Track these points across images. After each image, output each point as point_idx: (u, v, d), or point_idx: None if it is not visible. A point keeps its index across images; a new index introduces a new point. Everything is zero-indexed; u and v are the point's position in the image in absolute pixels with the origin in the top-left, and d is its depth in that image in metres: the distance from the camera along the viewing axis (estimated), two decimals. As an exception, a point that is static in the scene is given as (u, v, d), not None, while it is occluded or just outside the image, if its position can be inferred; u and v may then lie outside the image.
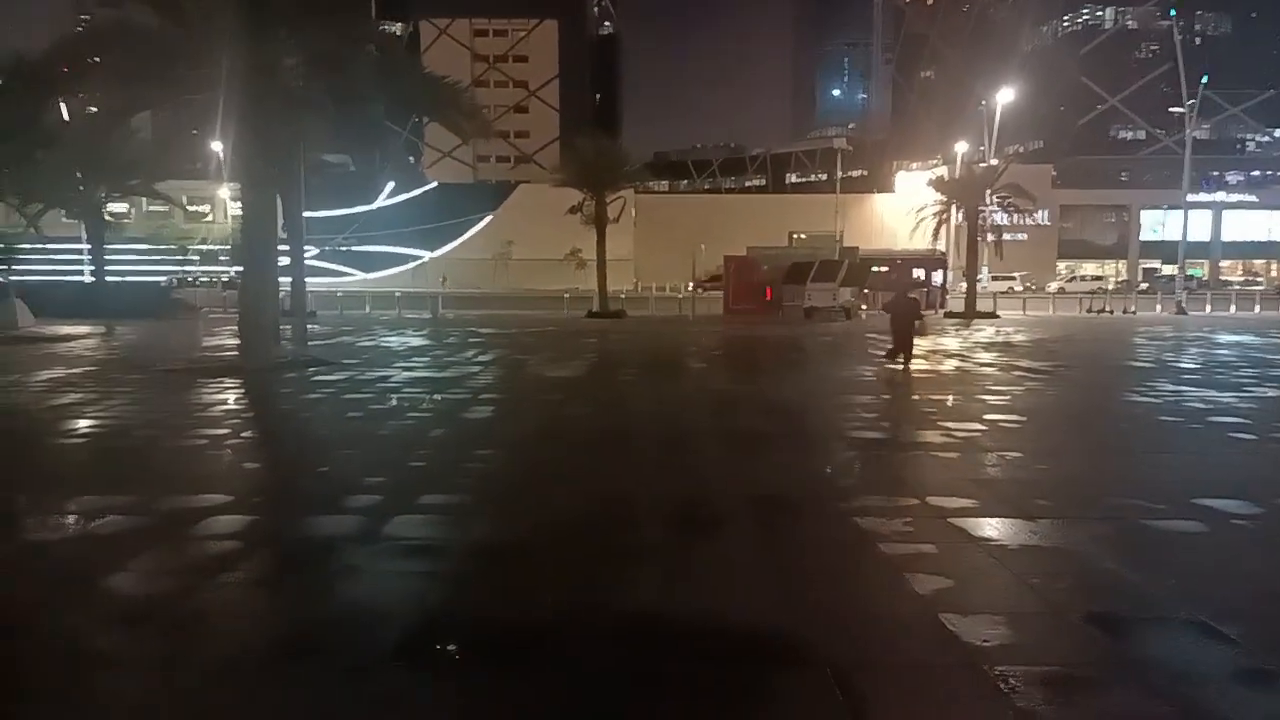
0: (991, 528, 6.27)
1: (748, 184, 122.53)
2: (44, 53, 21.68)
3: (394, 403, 12.37)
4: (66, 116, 26.94)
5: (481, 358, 18.89)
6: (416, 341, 23.33)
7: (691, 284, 64.42)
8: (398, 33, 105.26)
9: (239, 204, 18.73)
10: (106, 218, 36.98)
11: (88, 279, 41.76)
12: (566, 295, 41.49)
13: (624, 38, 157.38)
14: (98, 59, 18.98)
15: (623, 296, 40.88)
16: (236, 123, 16.67)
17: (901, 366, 17.02)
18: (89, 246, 39.05)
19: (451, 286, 61.34)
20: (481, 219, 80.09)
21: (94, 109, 25.32)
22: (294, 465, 8.87)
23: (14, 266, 32.55)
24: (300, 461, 9.05)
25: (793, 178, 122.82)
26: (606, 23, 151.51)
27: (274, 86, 16.82)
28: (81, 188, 33.19)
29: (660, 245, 78.32)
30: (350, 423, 10.89)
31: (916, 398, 13.42)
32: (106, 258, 36.83)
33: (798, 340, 24.42)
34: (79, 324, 26.58)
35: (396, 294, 42.55)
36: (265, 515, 6.74)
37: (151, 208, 58.05)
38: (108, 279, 36.58)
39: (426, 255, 78.58)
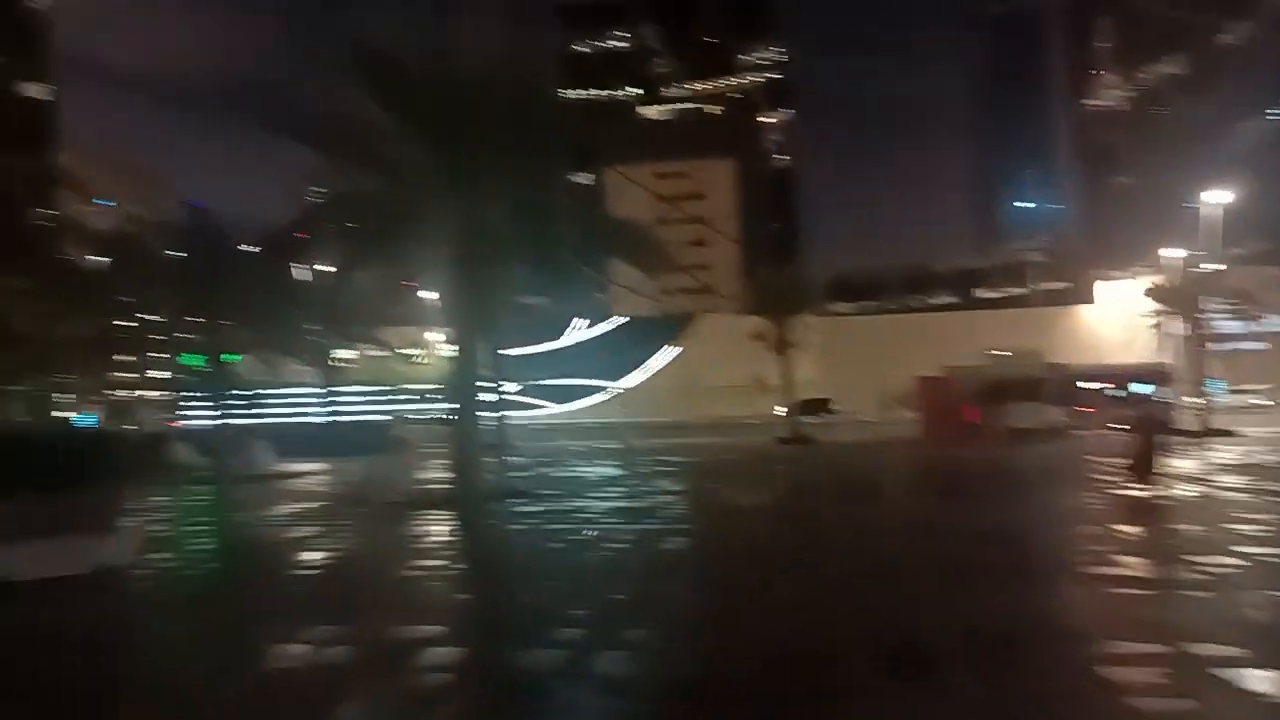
0: (1267, 681, 5.42)
1: (934, 301, 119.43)
2: (286, 223, 24.81)
3: (592, 534, 12.56)
4: (303, 275, 30.34)
5: (674, 486, 18.96)
6: (610, 471, 23.80)
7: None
8: (587, 181, 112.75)
9: (448, 346, 20.13)
10: (333, 364, 40.91)
11: (319, 420, 45.93)
12: (753, 421, 41.32)
13: (799, 167, 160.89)
14: (330, 224, 21.45)
15: (811, 421, 40.21)
16: (446, 272, 18.18)
17: (1141, 489, 15.47)
18: (320, 390, 43.13)
19: (640, 415, 62.54)
20: (666, 349, 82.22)
21: (323, 268, 28.33)
22: (500, 596, 9.10)
23: (257, 411, 36.33)
24: (506, 592, 9.28)
25: (982, 293, 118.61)
26: (782, 155, 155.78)
27: (479, 237, 18.27)
28: (313, 337, 37.04)
29: (846, 368, 77.03)
30: (550, 553, 11.12)
31: (1154, 526, 12.13)
32: (334, 400, 40.54)
33: (1005, 463, 22.93)
34: (311, 461, 29.08)
35: (589, 425, 43.90)
36: (476, 648, 6.90)
37: (373, 353, 63.65)
38: (336, 419, 40.12)
39: (616, 386, 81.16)
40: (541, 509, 15.60)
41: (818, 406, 62.56)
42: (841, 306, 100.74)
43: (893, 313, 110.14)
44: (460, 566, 10.88)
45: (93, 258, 27.54)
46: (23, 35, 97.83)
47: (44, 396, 38.66)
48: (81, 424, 38.77)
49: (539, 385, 79.62)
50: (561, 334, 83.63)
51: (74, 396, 39.80)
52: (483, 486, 18.07)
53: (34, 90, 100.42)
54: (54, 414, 40.66)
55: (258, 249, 24.97)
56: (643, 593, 8.71)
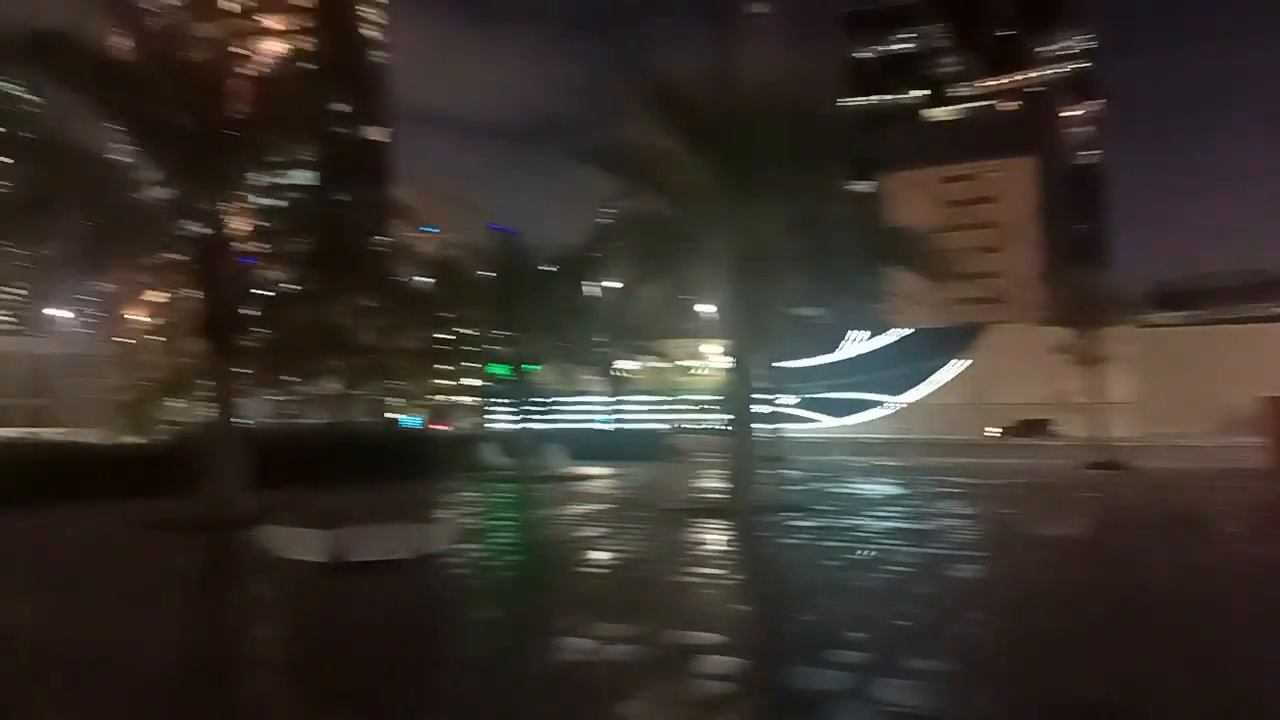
0: None
1: (1276, 310, 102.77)
2: (579, 244, 26.51)
3: (870, 554, 12.13)
4: (594, 292, 32.28)
5: (962, 509, 17.86)
6: (889, 489, 22.92)
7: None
8: (868, 189, 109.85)
9: (725, 358, 20.43)
10: (619, 374, 43.15)
11: (605, 426, 48.62)
12: (1054, 443, 37.86)
13: (1108, 163, 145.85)
14: (619, 244, 22.62)
15: (1125, 445, 36.12)
16: (724, 286, 18.51)
17: None
18: (606, 398, 45.65)
19: (924, 431, 59.65)
20: (951, 363, 77.78)
21: (612, 284, 29.90)
22: (778, 610, 9.05)
23: (552, 417, 39.16)
24: (783, 607, 9.20)
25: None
26: (1089, 151, 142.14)
27: (757, 252, 18.39)
28: (601, 349, 39.30)
29: (1169, 385, 68.29)
30: (827, 570, 10.88)
31: None
32: (618, 408, 42.71)
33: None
34: (597, 465, 30.82)
35: (869, 440, 42.59)
36: (755, 660, 6.90)
37: (654, 364, 66.31)
38: (620, 426, 42.25)
39: (894, 400, 78.10)
40: (816, 524, 15.33)
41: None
42: (1162, 316, 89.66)
43: (1225, 323, 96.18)
44: (737, 577, 10.96)
45: (419, 278, 31.15)
46: (366, 86, 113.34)
47: (379, 400, 44.27)
48: (408, 425, 43.99)
49: (815, 398, 78.62)
50: (839, 346, 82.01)
51: (402, 401, 45.19)
52: (757, 498, 18.10)
53: (374, 133, 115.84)
54: (386, 416, 46.47)
55: (555, 268, 26.98)
56: (929, 621, 8.25)
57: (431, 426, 40.19)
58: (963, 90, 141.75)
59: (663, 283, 22.06)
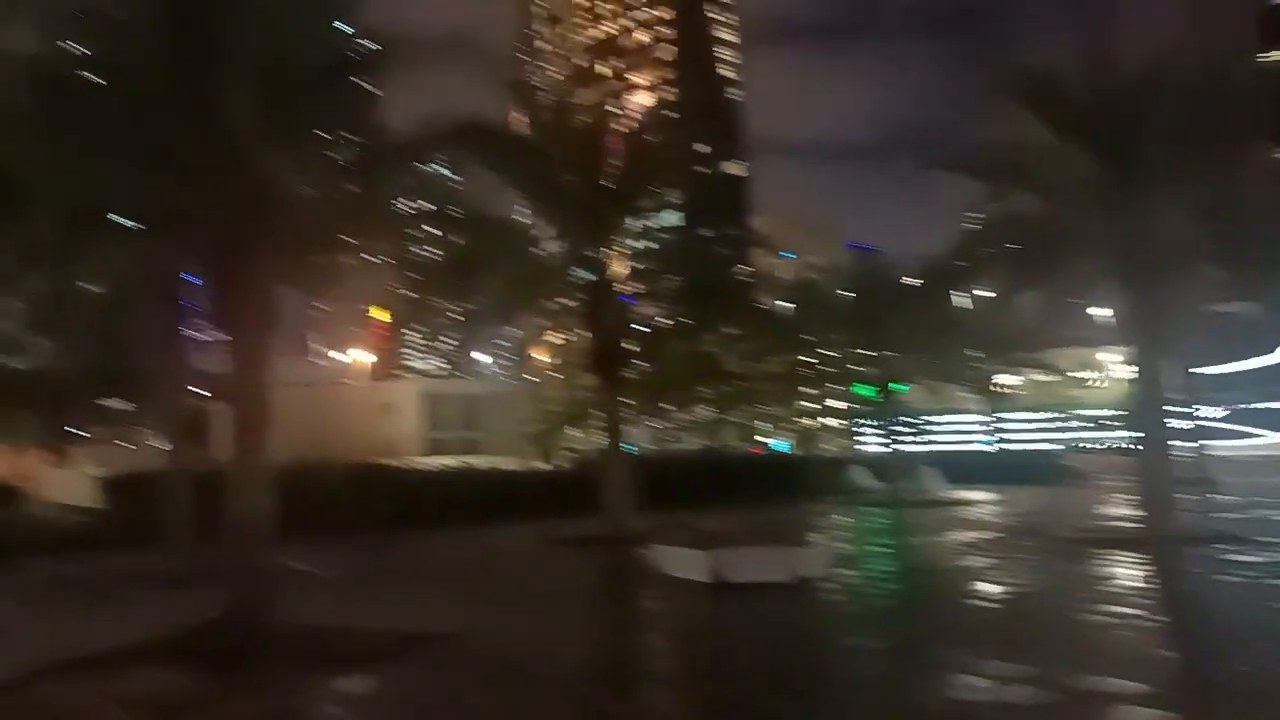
0: None
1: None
2: (945, 253, 25.22)
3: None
4: (963, 303, 30.49)
5: None
6: (1362, 518, 18.68)
7: None
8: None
9: (1127, 367, 18.19)
10: (998, 390, 40.10)
11: (985, 447, 45.52)
12: None
13: None
14: (988, 250, 21.16)
15: None
16: (1119, 285, 16.45)
17: None
18: (985, 417, 42.72)
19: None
20: None
21: (984, 293, 28.01)
22: (1214, 658, 7.73)
23: (925, 438, 37.48)
24: (1221, 654, 7.84)
25: None
26: None
27: (1155, 244, 16.16)
28: (976, 364, 36.89)
29: None
30: (1276, 615, 9.10)
31: None
32: (1000, 427, 39.73)
33: None
34: (978, 489, 28.88)
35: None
36: (1189, 715, 5.95)
37: (1037, 377, 60.89)
38: (1002, 446, 39.26)
39: (1361, 409, 63.65)
40: (1262, 559, 12.91)
41: None
42: None
43: None
44: (1160, 618, 9.57)
45: (781, 303, 31.72)
46: (724, 124, 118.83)
47: (748, 425, 45.60)
48: (778, 449, 44.74)
49: (1249, 409, 66.62)
50: (1276, 346, 68.86)
51: (770, 425, 46.12)
52: (1179, 527, 15.70)
53: (734, 168, 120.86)
54: (756, 440, 47.68)
55: (919, 282, 25.94)
56: None
57: (801, 451, 40.49)
58: None
59: (1045, 287, 20.25)
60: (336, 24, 9.38)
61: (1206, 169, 16.09)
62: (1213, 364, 55.43)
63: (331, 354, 73.91)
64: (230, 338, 8.42)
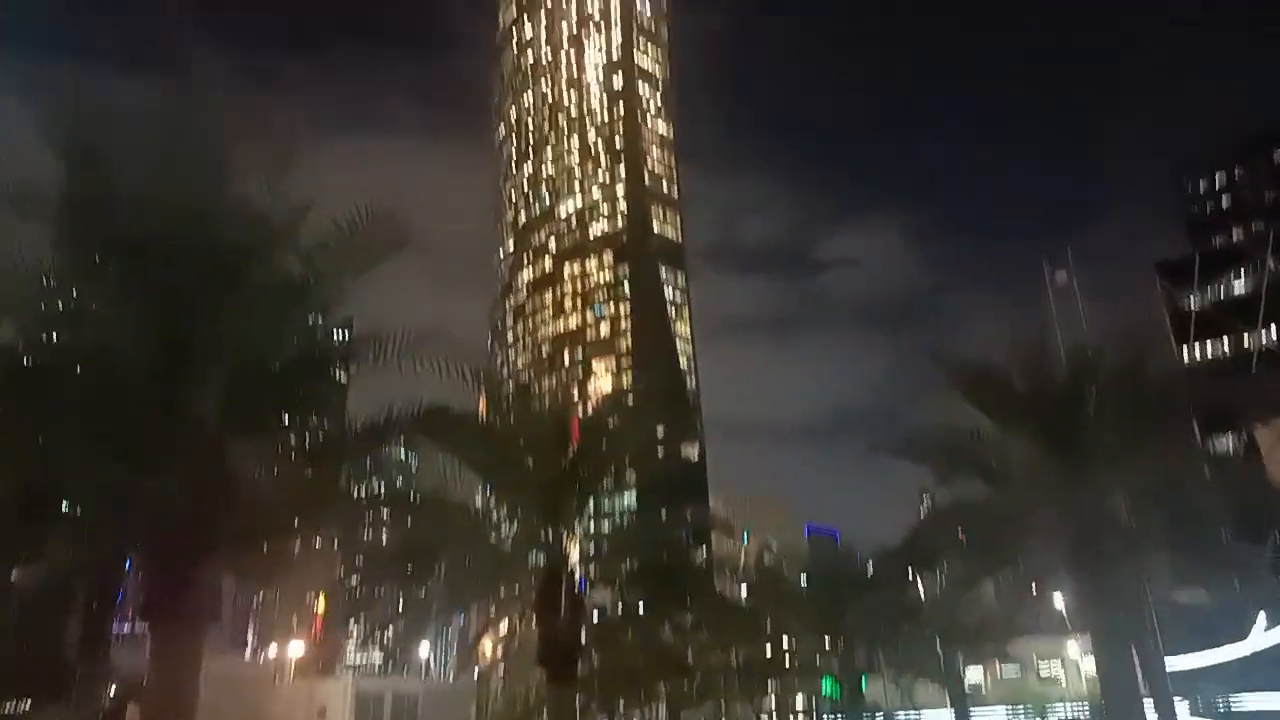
0: None
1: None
2: (902, 540, 25.38)
3: None
4: (922, 593, 30.12)
5: None
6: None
7: None
8: (1228, 447, 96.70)
9: (1091, 658, 17.79)
10: (965, 683, 38.53)
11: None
12: None
13: None
14: (944, 536, 21.34)
15: None
16: (1074, 571, 16.50)
17: None
18: (952, 712, 40.63)
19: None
20: None
21: (944, 579, 27.82)
22: None
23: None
24: None
25: None
26: None
27: (1105, 530, 16.46)
28: (941, 656, 35.68)
29: None
30: None
31: None
32: (970, 722, 37.65)
33: None
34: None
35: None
36: None
37: (1004, 671, 58.89)
38: (974, 745, 36.96)
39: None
40: None
41: None
42: None
43: None
44: None
45: (740, 589, 31.16)
46: (682, 408, 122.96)
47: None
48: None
49: (1222, 704, 64.42)
50: (1242, 635, 67.97)
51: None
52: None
53: (691, 452, 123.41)
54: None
55: (879, 569, 25.78)
56: None
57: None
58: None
59: (1003, 575, 20.26)
60: (310, 320, 9.86)
61: (1144, 454, 16.81)
62: (1181, 653, 54.29)
63: (267, 649, 69.63)
64: (160, 633, 7.95)
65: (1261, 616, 71.15)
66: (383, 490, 11.12)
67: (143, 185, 8.33)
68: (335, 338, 10.47)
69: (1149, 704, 17.10)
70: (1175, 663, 35.28)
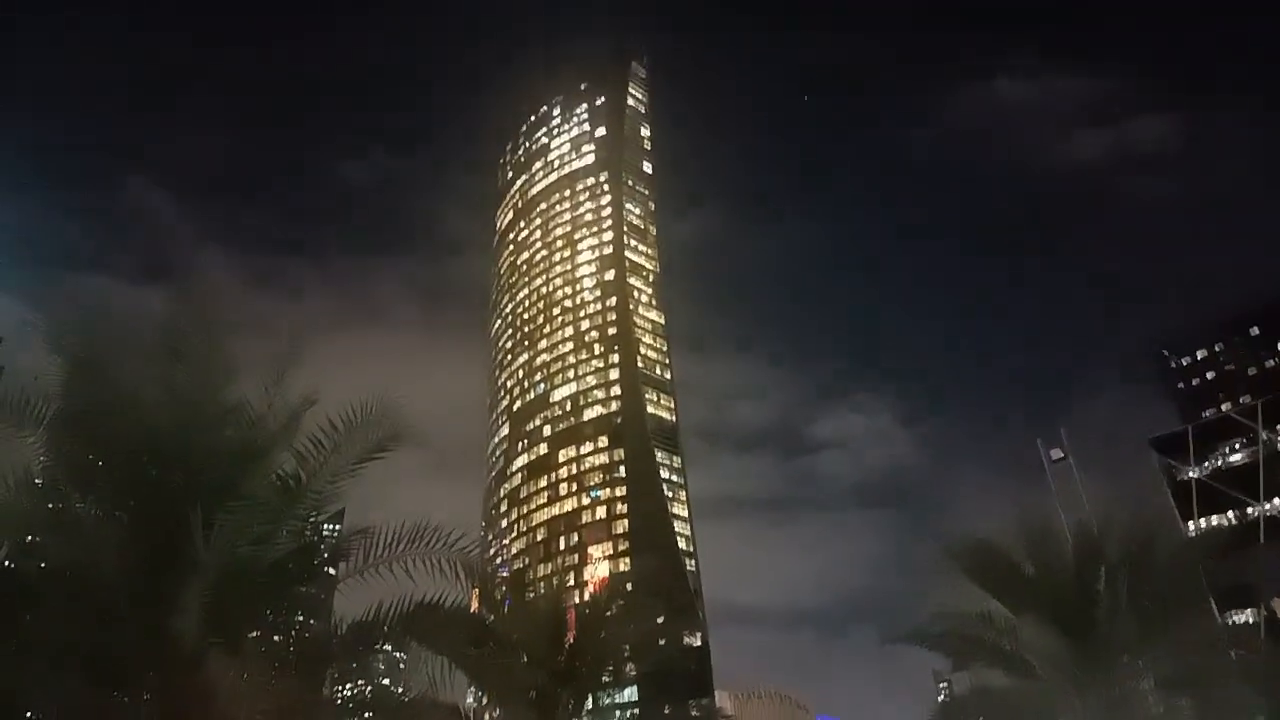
0: None
1: None
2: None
3: None
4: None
5: None
6: None
7: None
8: (1249, 621, 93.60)
9: None
10: None
11: None
12: None
13: None
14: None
15: None
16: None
17: None
18: None
19: None
20: None
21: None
22: None
23: None
24: None
25: None
26: None
27: (1132, 716, 15.64)
28: None
29: None
30: None
31: None
32: None
33: None
34: None
35: None
36: None
37: None
38: None
39: None
40: None
41: None
42: None
43: None
44: None
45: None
46: (683, 593, 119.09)
47: None
48: None
49: None
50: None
51: None
52: None
53: (693, 639, 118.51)
54: None
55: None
56: None
57: None
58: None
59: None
60: (302, 516, 9.65)
61: (1163, 638, 16.20)
62: None
63: None
64: None
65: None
66: (369, 693, 10.53)
67: (141, 391, 8.38)
68: (325, 532, 10.22)
69: None
70: None
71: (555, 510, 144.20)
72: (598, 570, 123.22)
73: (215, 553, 7.88)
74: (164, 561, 7.99)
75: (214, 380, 8.79)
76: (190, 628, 7.75)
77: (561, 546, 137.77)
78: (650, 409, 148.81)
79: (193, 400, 8.40)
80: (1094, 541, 17.25)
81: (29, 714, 8.98)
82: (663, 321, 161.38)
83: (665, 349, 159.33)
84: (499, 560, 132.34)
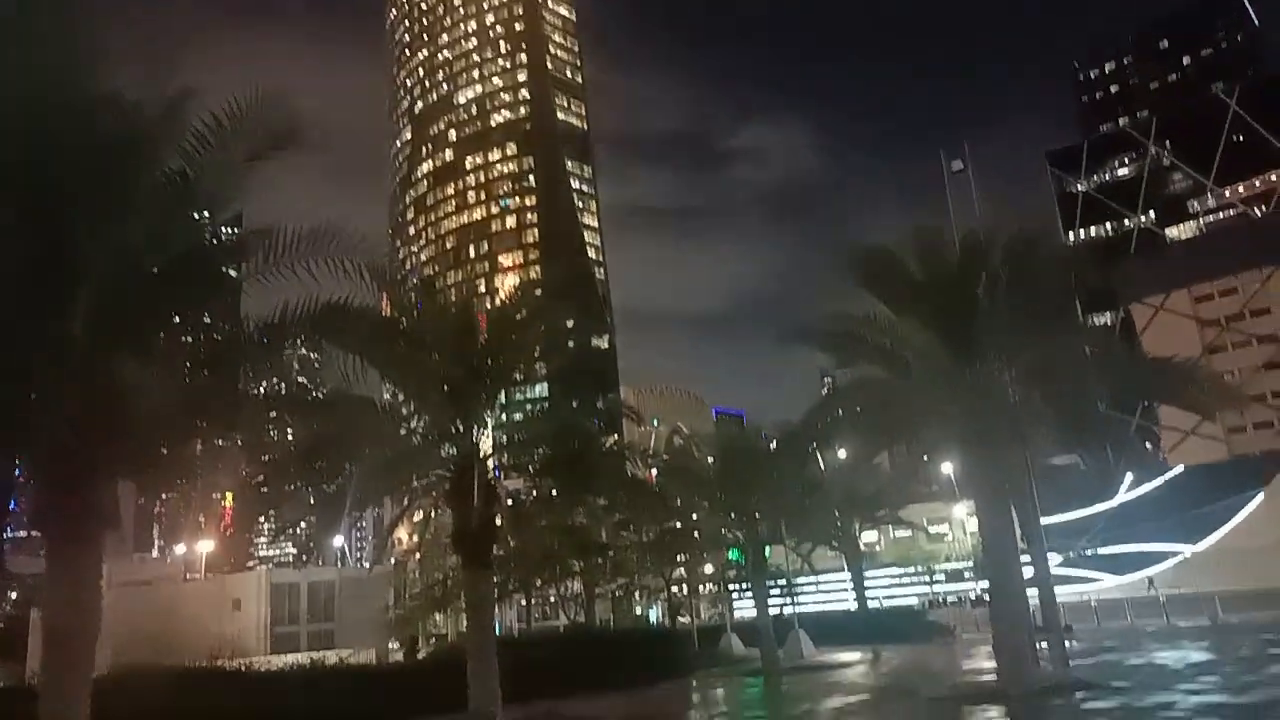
0: None
1: None
2: (804, 419, 26.48)
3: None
4: (822, 465, 31.67)
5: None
6: (1197, 655, 19.80)
7: None
8: (1107, 323, 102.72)
9: (975, 520, 19.17)
10: (862, 549, 41.19)
11: (852, 606, 46.17)
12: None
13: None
14: (843, 414, 22.36)
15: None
16: (962, 445, 17.62)
17: None
18: (849, 575, 43.58)
19: (1227, 584, 51.77)
20: (1248, 499, 67.84)
21: (842, 455, 29.21)
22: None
23: (795, 599, 37.77)
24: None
25: None
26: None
27: (992, 405, 17.50)
28: (840, 524, 37.95)
29: None
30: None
31: None
32: (865, 585, 40.54)
33: None
34: (849, 650, 28.96)
35: (1160, 598, 37.38)
36: None
37: (897, 533, 62.97)
38: (869, 604, 39.89)
39: (1185, 549, 68.53)
40: (1115, 704, 13.43)
41: None
42: None
43: None
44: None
45: (648, 472, 32.11)
46: (590, 300, 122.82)
47: (623, 597, 44.77)
48: (651, 622, 43.89)
49: (1089, 555, 70.71)
50: (1110, 495, 74.14)
51: (642, 596, 45.43)
52: (1039, 677, 16.23)
53: (600, 342, 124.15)
54: (632, 612, 46.72)
55: (781, 445, 26.89)
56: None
57: (673, 620, 39.91)
58: (1205, 202, 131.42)
59: (897, 448, 21.40)
60: (194, 215, 9.39)
61: (1030, 334, 17.76)
62: (1055, 513, 58.93)
63: (177, 547, 68.81)
64: (50, 541, 7.77)
65: (1128, 477, 77.58)
66: (284, 389, 10.94)
67: (4, 81, 7.64)
68: (224, 237, 10.01)
69: (1025, 558, 18.68)
70: (1051, 521, 38.39)
71: (464, 219, 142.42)
72: (507, 281, 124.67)
73: (104, 253, 7.71)
74: (50, 265, 7.79)
75: (79, 64, 8.02)
76: (79, 333, 7.73)
77: (472, 255, 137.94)
78: (560, 115, 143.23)
79: (59, 85, 7.70)
80: (979, 249, 18.24)
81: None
82: (573, 18, 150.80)
83: (577, 49, 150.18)
84: (408, 267, 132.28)
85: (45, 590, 7.91)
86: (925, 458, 34.79)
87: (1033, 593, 19.06)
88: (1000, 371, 18.55)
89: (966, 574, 65.79)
